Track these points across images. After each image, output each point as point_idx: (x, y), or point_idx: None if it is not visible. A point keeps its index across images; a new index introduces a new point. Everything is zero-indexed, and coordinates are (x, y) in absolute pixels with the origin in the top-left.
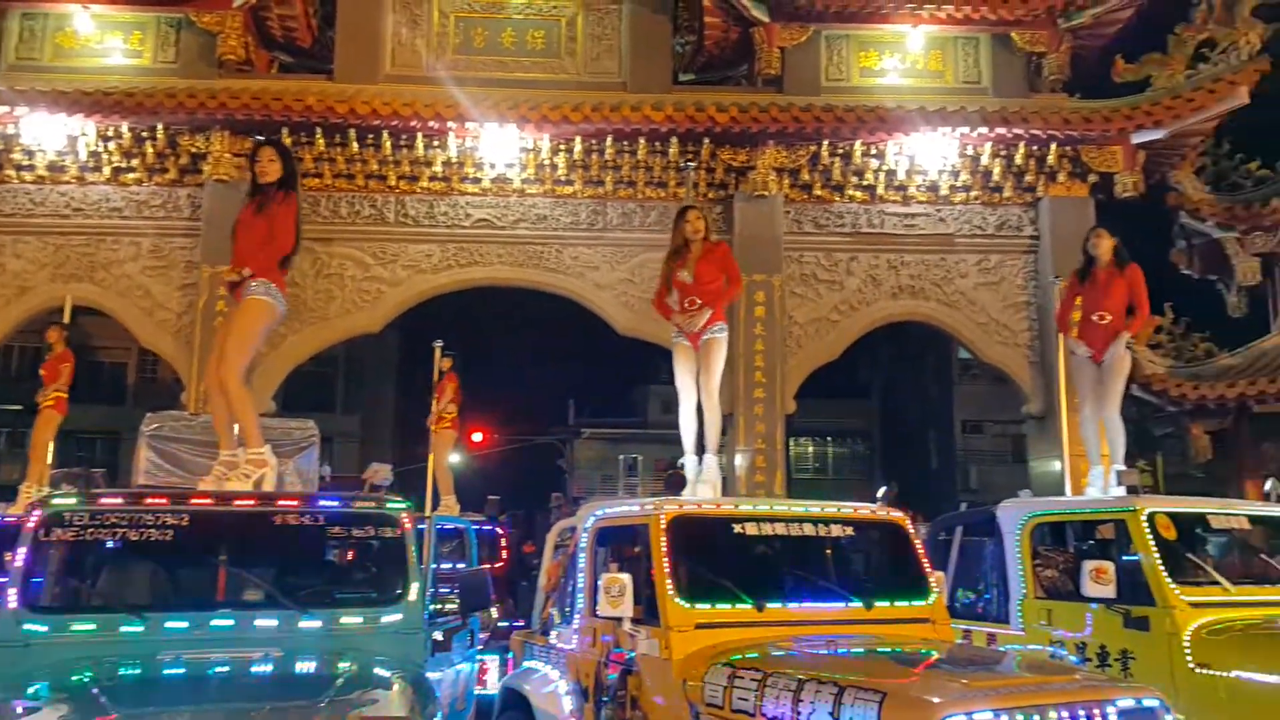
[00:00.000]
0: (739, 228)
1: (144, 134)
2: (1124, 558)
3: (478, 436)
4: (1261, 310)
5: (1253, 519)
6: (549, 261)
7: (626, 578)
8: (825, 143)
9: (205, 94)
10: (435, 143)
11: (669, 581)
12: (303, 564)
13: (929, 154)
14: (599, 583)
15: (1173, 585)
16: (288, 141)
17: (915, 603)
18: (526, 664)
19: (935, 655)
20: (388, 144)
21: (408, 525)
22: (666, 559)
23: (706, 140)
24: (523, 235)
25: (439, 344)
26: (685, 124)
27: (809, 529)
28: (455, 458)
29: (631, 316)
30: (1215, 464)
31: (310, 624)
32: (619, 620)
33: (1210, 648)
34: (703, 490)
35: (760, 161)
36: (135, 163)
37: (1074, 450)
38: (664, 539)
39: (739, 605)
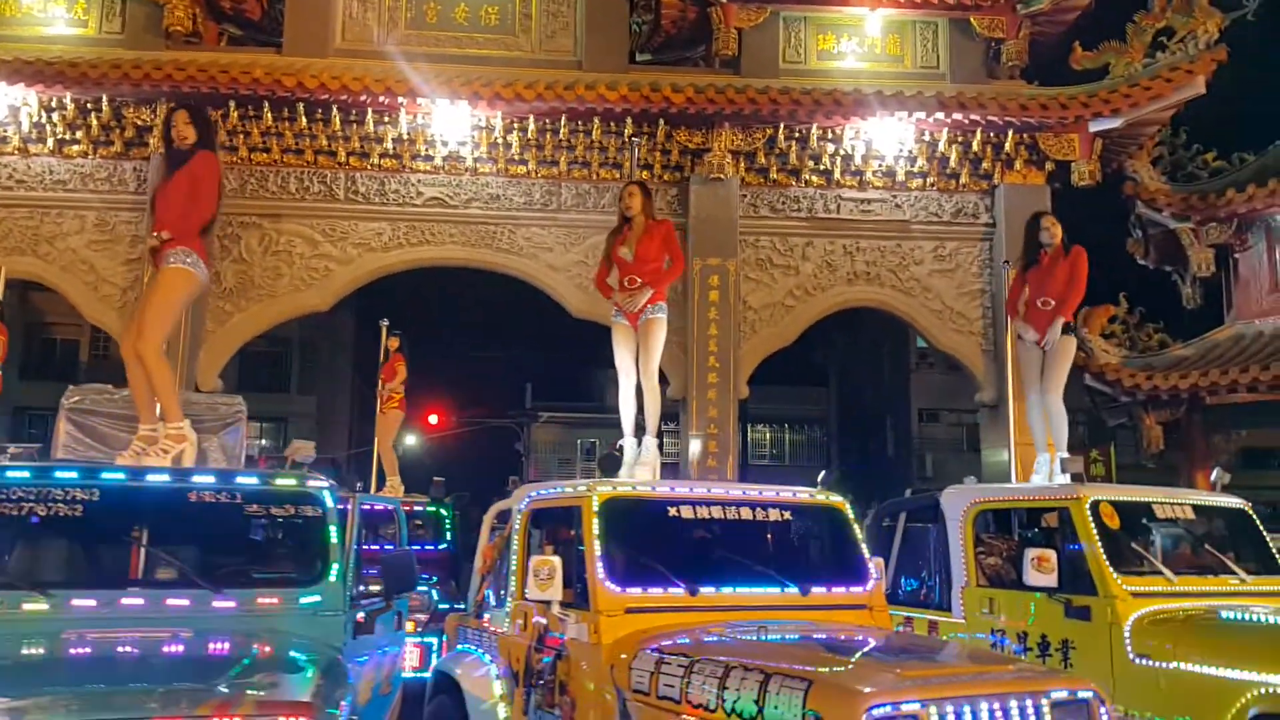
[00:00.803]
0: (694, 210)
1: (88, 105)
2: (1067, 546)
3: (434, 419)
4: (1216, 301)
5: (1197, 508)
6: (502, 242)
7: (556, 560)
8: (782, 126)
9: (151, 65)
10: (386, 118)
11: (599, 564)
12: (219, 542)
13: (886, 139)
14: (529, 565)
15: (1115, 575)
16: (235, 115)
17: (853, 589)
18: (460, 647)
19: (869, 643)
20: (337, 119)
21: (330, 503)
22: (598, 541)
23: (662, 121)
24: (475, 215)
25: (385, 323)
26: (640, 104)
27: (746, 513)
28: (412, 439)
29: (585, 299)
30: (1168, 455)
31: (224, 604)
32: (549, 603)
33: (1151, 638)
34: (641, 473)
35: (716, 144)
36: (79, 135)
37: (1022, 439)
38: (595, 521)
39: (671, 590)
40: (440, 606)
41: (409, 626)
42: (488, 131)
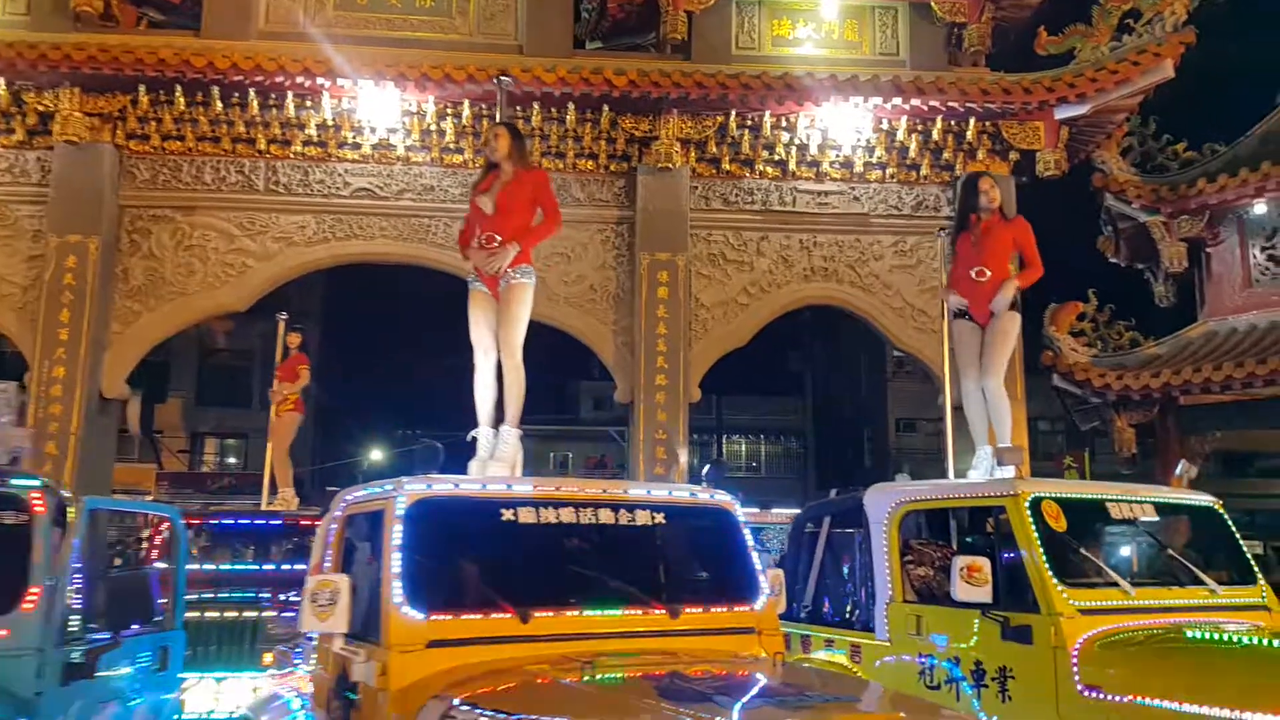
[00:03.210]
0: (641, 202)
1: None
2: (1004, 553)
3: (401, 433)
4: (1189, 299)
5: (1160, 507)
6: (436, 235)
7: (341, 580)
8: (733, 113)
9: (48, 45)
10: (308, 103)
11: (397, 584)
12: None
13: (842, 128)
14: (309, 586)
15: (1060, 587)
16: (145, 101)
17: (738, 608)
18: (275, 689)
19: (730, 682)
20: (255, 104)
21: (39, 509)
22: (399, 554)
23: (605, 107)
24: (407, 207)
25: (284, 316)
26: (580, 87)
27: (606, 516)
28: (379, 454)
29: None
30: (1144, 459)
31: None
32: (332, 637)
33: (1103, 665)
34: (496, 470)
35: (664, 131)
36: None
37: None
38: (399, 528)
39: (496, 616)
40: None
41: (267, 659)
42: (420, 118)
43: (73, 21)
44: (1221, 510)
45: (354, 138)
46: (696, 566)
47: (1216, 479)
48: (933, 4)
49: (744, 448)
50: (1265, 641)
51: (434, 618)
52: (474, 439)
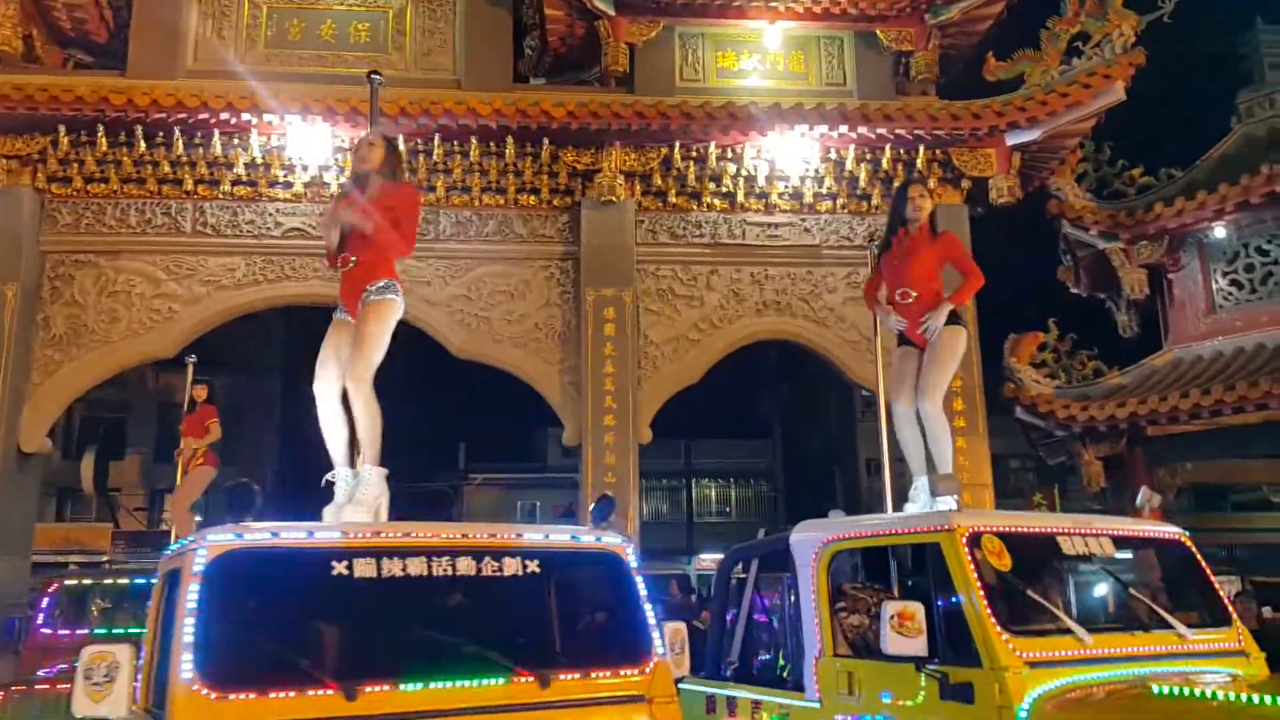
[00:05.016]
0: (586, 237)
1: None
2: (942, 598)
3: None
4: (1153, 328)
5: (1120, 541)
6: None
7: (120, 651)
8: (677, 145)
9: None
10: (236, 141)
11: (187, 657)
12: None
13: (790, 158)
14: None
15: (1004, 636)
16: (65, 141)
17: (625, 671)
18: None
19: None
20: (180, 143)
21: None
22: (193, 619)
23: (546, 140)
24: None
25: (192, 359)
26: (518, 120)
27: (466, 565)
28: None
29: (468, 337)
30: (1116, 493)
31: None
32: None
33: None
34: (353, 514)
35: (606, 164)
36: None
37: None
38: (196, 588)
39: (314, 693)
40: None
41: None
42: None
43: None
44: (1189, 543)
45: (285, 176)
46: (576, 623)
47: (1190, 512)
48: (878, 33)
49: (714, 492)
50: (1244, 697)
51: (232, 697)
52: (329, 483)
